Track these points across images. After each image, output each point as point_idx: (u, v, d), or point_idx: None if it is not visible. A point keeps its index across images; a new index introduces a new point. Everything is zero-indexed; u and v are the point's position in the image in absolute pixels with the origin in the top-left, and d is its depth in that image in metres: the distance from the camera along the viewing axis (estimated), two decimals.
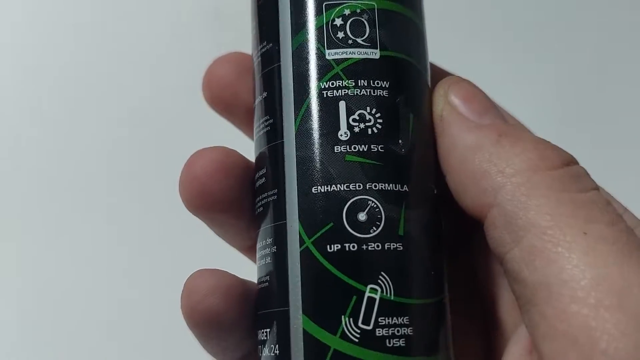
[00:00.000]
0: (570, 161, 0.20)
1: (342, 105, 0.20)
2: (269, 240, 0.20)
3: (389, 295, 0.19)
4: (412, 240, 0.20)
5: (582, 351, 0.17)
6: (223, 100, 0.24)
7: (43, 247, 0.45)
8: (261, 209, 0.21)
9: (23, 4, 0.49)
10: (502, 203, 0.19)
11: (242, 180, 0.22)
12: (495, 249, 0.20)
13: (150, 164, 0.46)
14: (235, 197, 0.22)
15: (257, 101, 0.22)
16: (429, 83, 0.22)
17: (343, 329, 0.19)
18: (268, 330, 0.20)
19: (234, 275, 0.22)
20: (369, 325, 0.19)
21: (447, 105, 0.21)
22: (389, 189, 0.20)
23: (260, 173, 0.21)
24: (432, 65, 0.24)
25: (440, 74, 0.24)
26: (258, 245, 0.21)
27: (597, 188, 0.19)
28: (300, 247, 0.19)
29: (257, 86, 0.22)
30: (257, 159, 0.22)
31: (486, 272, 0.23)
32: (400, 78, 0.21)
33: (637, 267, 0.17)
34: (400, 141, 0.20)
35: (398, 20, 0.21)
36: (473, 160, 0.20)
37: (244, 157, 0.23)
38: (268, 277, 0.20)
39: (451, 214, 0.21)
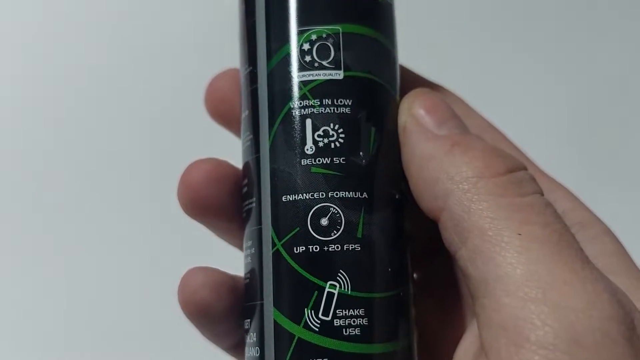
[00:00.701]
0: (515, 168, 0.22)
1: (308, 122, 0.23)
2: (250, 242, 0.24)
3: (346, 290, 0.22)
4: (370, 242, 0.22)
5: (511, 338, 0.19)
6: (222, 113, 0.27)
7: (43, 247, 0.47)
8: (245, 214, 0.24)
9: (22, 2, 0.50)
10: (450, 207, 0.21)
11: (232, 188, 0.25)
12: (448, 248, 0.22)
13: (156, 166, 0.47)
14: (226, 203, 0.25)
15: (242, 116, 0.25)
16: (397, 95, 0.24)
17: (306, 319, 0.21)
18: (249, 320, 0.23)
19: (224, 272, 0.25)
20: (327, 316, 0.21)
21: (410, 117, 0.23)
22: (349, 196, 0.22)
23: (245, 182, 0.24)
24: (407, 70, 0.27)
25: (414, 79, 0.26)
26: (244, 246, 0.24)
27: (538, 192, 0.21)
28: (272, 249, 0.22)
29: (243, 103, 0.25)
30: (243, 169, 0.25)
31: (453, 268, 0.25)
32: (363, 95, 0.23)
33: (563, 264, 0.19)
34: (360, 153, 0.23)
35: (362, 42, 0.24)
36: (427, 168, 0.22)
37: (234, 167, 0.26)
38: (250, 274, 0.23)
39: (423, 215, 0.24)
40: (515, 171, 0.22)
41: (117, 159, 0.49)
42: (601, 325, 0.18)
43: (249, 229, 0.24)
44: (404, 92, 0.25)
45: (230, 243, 0.27)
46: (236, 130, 0.28)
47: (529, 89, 0.49)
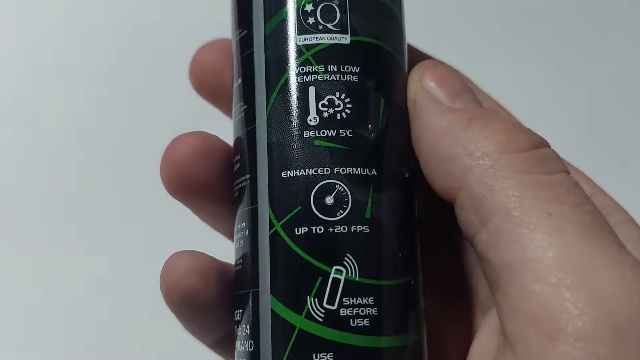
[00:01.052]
0: (540, 144, 0.20)
1: (311, 90, 0.20)
2: (243, 224, 0.21)
3: (353, 276, 0.19)
4: (379, 223, 0.20)
5: (542, 329, 0.17)
6: (208, 86, 0.25)
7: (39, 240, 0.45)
8: (237, 193, 0.22)
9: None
10: (469, 186, 0.19)
11: (222, 164, 0.23)
12: (465, 231, 0.20)
13: (138, 149, 0.46)
14: (214, 181, 0.22)
15: (234, 86, 0.23)
16: (405, 67, 0.22)
17: (308, 309, 0.19)
18: (241, 310, 0.21)
19: (212, 257, 0.22)
20: (333, 305, 0.19)
21: (421, 89, 0.21)
22: (356, 173, 0.20)
23: (237, 158, 0.22)
24: (414, 49, 0.25)
25: (421, 58, 0.24)
26: (235, 229, 0.22)
27: (565, 171, 0.19)
28: (269, 230, 0.20)
29: (235, 71, 0.23)
30: (234, 143, 0.22)
31: (464, 254, 0.23)
32: (371, 63, 0.21)
33: (599, 248, 0.17)
34: (369, 126, 0.20)
35: (370, 5, 0.21)
36: (443, 144, 0.20)
37: (223, 142, 0.23)
38: (242, 259, 0.21)
39: (431, 197, 0.21)
40: (540, 147, 0.20)
41: (100, 147, 0.47)
42: None
43: (242, 209, 0.21)
44: (409, 68, 0.23)
45: (218, 230, 0.25)
46: (226, 107, 0.25)
47: (536, 90, 0.48)
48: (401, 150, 0.21)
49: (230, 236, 0.25)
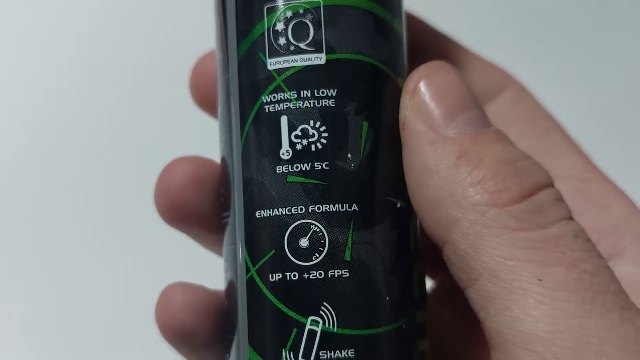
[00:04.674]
0: (536, 187, 0.17)
1: (283, 120, 0.19)
2: (227, 264, 0.20)
3: (331, 327, 0.18)
4: (361, 265, 0.18)
5: None
6: (209, 99, 0.24)
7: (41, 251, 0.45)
8: (223, 228, 0.21)
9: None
10: (455, 240, 0.17)
11: (217, 192, 0.21)
12: (456, 281, 0.18)
13: (143, 166, 0.45)
14: (207, 210, 0.21)
15: (218, 111, 0.21)
16: (400, 79, 0.20)
17: None
18: (228, 355, 0.20)
19: (207, 290, 0.21)
20: (309, 359, 0.18)
21: (413, 105, 0.19)
22: (333, 210, 0.18)
23: (221, 190, 0.21)
24: (427, 27, 0.22)
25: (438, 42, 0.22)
26: (223, 266, 0.21)
27: (564, 217, 0.17)
28: (246, 275, 0.19)
29: (218, 96, 0.21)
30: (220, 176, 0.21)
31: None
32: (351, 83, 0.19)
33: (598, 319, 0.15)
34: (348, 155, 0.18)
35: (351, 16, 0.19)
36: (429, 185, 0.18)
37: (219, 167, 0.22)
38: (227, 300, 0.20)
39: None
40: (536, 192, 0.17)
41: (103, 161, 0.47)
42: None
43: (225, 247, 0.20)
44: (415, 59, 0.20)
45: (219, 254, 0.24)
46: None
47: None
48: (391, 177, 0.19)
49: None
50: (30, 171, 0.46)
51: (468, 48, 0.23)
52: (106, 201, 0.46)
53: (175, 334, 0.21)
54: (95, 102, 0.47)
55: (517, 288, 0.16)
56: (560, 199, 0.17)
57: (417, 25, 0.23)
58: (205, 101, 0.24)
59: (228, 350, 0.20)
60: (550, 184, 0.17)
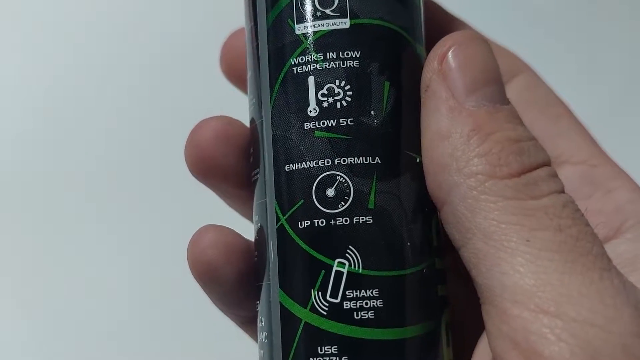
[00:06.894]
0: (533, 165, 0.19)
1: (310, 80, 0.20)
2: (257, 217, 0.21)
3: (356, 268, 0.19)
4: (384, 213, 0.19)
5: (523, 353, 0.17)
6: (237, 71, 0.25)
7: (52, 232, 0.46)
8: (253, 185, 0.22)
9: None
10: (453, 202, 0.19)
11: (243, 150, 0.23)
12: (451, 240, 0.19)
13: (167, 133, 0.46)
14: (234, 166, 0.23)
15: (248, 77, 0.23)
16: (420, 45, 0.21)
17: (312, 302, 0.19)
18: (259, 302, 0.21)
19: (238, 234, 0.23)
20: (336, 298, 0.19)
21: (438, 70, 0.20)
22: (358, 162, 0.20)
23: (250, 150, 0.22)
24: (446, 14, 0.23)
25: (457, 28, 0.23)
26: (253, 220, 0.22)
27: (556, 191, 0.18)
28: (276, 224, 0.20)
29: (247, 63, 0.23)
30: (249, 136, 0.23)
31: None
32: (374, 46, 0.20)
33: (578, 275, 0.17)
34: (372, 112, 0.20)
35: None
36: (439, 149, 0.19)
37: (246, 128, 0.23)
38: (257, 251, 0.21)
39: None
40: (533, 170, 0.18)
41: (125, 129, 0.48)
42: (623, 341, 0.16)
43: (256, 202, 0.22)
44: (431, 41, 0.22)
45: (241, 213, 0.25)
46: None
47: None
48: (411, 134, 0.20)
49: (252, 220, 0.26)
50: (46, 151, 0.48)
51: (482, 34, 0.24)
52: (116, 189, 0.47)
53: (204, 270, 0.22)
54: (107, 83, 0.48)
55: (507, 247, 0.17)
56: (554, 175, 0.19)
57: (432, 8, 0.24)
58: (234, 72, 0.25)
59: (257, 298, 0.21)
60: (548, 162, 0.19)
